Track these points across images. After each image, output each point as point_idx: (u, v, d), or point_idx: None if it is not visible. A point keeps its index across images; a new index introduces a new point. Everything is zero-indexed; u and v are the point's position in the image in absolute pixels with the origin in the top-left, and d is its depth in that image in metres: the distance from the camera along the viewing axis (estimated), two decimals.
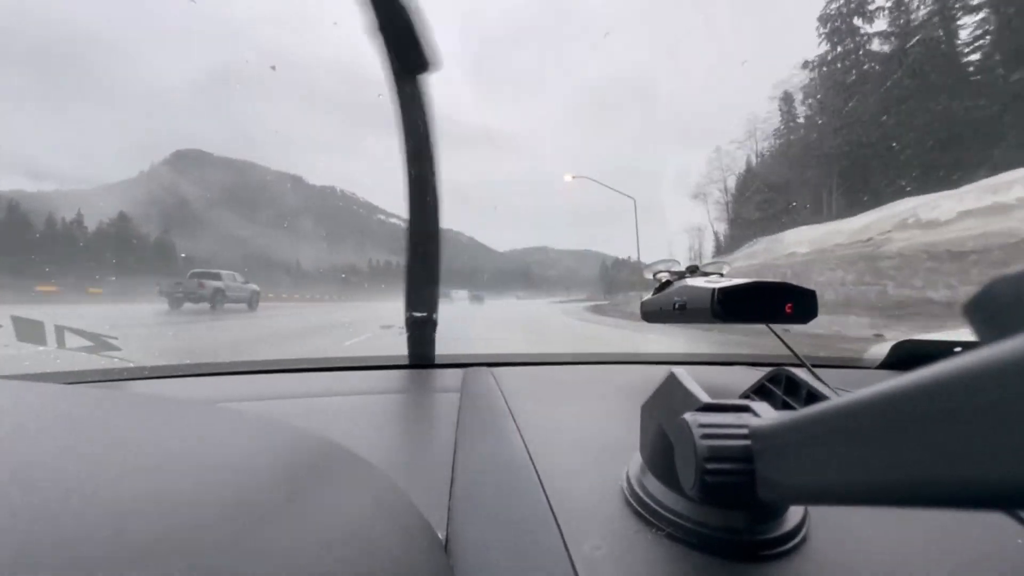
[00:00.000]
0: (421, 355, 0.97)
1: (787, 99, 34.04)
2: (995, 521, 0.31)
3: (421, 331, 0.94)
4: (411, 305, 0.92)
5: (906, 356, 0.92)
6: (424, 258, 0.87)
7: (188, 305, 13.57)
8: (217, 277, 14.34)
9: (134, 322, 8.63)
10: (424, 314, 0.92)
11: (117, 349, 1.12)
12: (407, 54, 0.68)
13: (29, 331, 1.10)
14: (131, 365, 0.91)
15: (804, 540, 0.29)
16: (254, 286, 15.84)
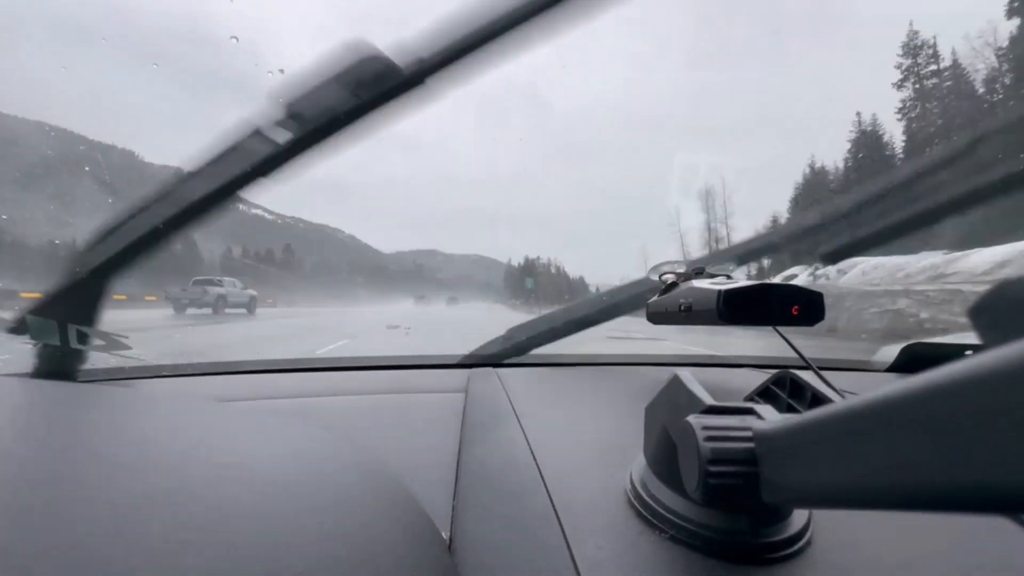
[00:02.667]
0: (426, 355, 0.98)
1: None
2: (999, 526, 0.31)
3: None
4: None
5: (916, 359, 0.92)
6: None
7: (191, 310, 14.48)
8: (219, 284, 15.51)
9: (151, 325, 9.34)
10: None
11: (128, 348, 1.19)
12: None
13: (42, 330, 1.16)
14: (144, 364, 0.92)
15: (808, 544, 0.29)
16: (252, 292, 16.99)
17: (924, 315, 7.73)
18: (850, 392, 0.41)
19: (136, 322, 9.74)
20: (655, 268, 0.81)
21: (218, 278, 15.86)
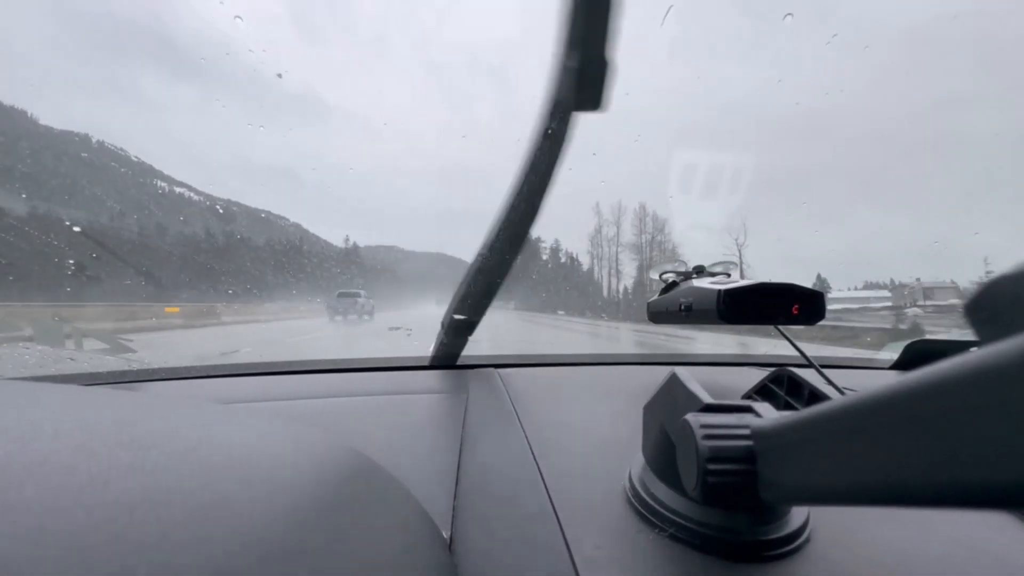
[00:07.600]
0: (437, 356, 0.98)
1: None
2: (997, 521, 0.31)
3: (456, 334, 0.95)
4: (458, 308, 0.92)
5: (919, 356, 0.92)
6: (497, 274, 0.88)
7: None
8: (357, 295, 19.10)
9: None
10: (464, 318, 0.93)
11: (133, 352, 1.22)
12: (586, 90, 0.59)
13: (48, 334, 1.28)
14: (150, 367, 0.93)
15: (807, 541, 0.29)
16: (373, 301, 20.55)
17: None
18: (850, 390, 0.42)
19: (310, 328, 11.62)
20: (656, 267, 0.82)
21: (354, 291, 19.27)
